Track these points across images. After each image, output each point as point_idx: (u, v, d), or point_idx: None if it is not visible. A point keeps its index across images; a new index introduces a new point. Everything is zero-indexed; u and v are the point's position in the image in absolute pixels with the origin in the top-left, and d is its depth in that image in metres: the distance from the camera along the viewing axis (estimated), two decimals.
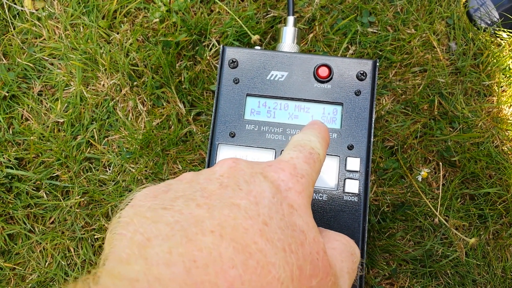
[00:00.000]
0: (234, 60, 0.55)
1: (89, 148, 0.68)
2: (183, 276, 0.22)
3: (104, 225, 0.66)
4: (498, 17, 0.71)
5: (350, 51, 0.69)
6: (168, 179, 0.66)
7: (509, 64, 0.69)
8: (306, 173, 0.31)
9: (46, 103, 0.70)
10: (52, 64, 0.71)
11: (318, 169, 0.33)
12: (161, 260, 0.23)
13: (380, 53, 0.68)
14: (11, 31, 0.72)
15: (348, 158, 0.52)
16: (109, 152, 0.67)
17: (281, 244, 0.25)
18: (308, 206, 0.30)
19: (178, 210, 0.26)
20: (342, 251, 0.32)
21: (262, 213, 0.26)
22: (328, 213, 0.51)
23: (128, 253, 0.24)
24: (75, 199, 0.66)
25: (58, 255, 0.66)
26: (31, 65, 0.71)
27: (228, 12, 0.69)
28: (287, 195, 0.29)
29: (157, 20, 0.69)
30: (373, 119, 0.53)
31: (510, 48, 0.70)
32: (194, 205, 0.27)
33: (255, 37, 0.67)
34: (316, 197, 0.51)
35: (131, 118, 0.68)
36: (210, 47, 0.69)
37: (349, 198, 0.51)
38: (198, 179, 0.30)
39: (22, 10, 0.72)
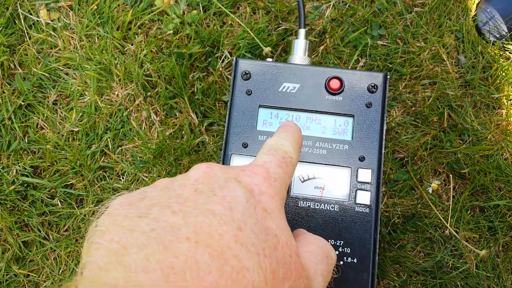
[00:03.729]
0: (247, 72, 0.55)
1: (103, 157, 0.69)
2: (162, 283, 0.23)
3: None
4: (506, 30, 0.72)
5: (361, 64, 0.70)
6: None
7: None
8: (279, 177, 0.32)
9: (61, 112, 0.71)
10: (67, 74, 0.72)
11: (291, 173, 0.34)
12: (139, 268, 0.23)
13: (390, 65, 0.69)
14: (27, 41, 0.73)
15: (359, 169, 0.53)
16: (122, 161, 0.68)
17: (255, 249, 0.26)
18: (281, 209, 0.31)
19: (153, 218, 0.26)
20: (317, 254, 0.33)
21: (236, 219, 0.27)
22: (339, 224, 0.51)
23: (105, 261, 0.24)
24: (89, 207, 0.67)
25: (72, 262, 0.67)
26: (47, 74, 0.72)
27: (240, 25, 0.71)
28: (261, 199, 0.30)
29: (171, 32, 0.71)
30: (384, 131, 0.54)
31: None
32: (170, 212, 0.27)
33: (267, 49, 0.68)
34: (328, 208, 0.52)
35: (144, 128, 0.69)
36: (222, 58, 0.70)
37: (361, 209, 0.52)
38: (173, 185, 0.30)
39: (37, 20, 0.74)
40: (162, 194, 0.29)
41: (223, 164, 0.53)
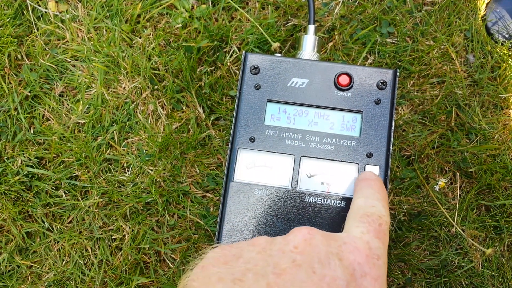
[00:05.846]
0: (256, 66, 0.55)
1: (109, 150, 0.69)
2: None
3: (121, 225, 0.66)
4: None
5: (369, 61, 0.70)
6: (185, 182, 0.67)
7: None
8: (381, 253, 0.30)
9: (67, 104, 0.71)
10: (74, 66, 0.72)
11: (388, 240, 0.32)
12: None
13: (399, 63, 0.69)
14: (35, 32, 0.73)
15: (367, 166, 0.53)
16: (128, 154, 0.68)
17: None
18: None
19: (248, 286, 0.26)
20: None
21: None
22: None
23: None
24: (94, 199, 0.67)
25: (75, 254, 0.67)
26: (54, 66, 0.72)
27: (249, 20, 0.70)
28: (362, 282, 0.28)
29: (180, 25, 0.71)
30: (393, 128, 0.53)
31: None
32: (265, 283, 0.26)
33: (276, 45, 0.68)
34: (335, 204, 0.52)
35: (150, 121, 0.69)
36: (230, 53, 0.70)
37: None
38: (271, 249, 0.30)
39: (46, 12, 0.74)
40: (259, 258, 0.29)
41: (229, 157, 0.53)
